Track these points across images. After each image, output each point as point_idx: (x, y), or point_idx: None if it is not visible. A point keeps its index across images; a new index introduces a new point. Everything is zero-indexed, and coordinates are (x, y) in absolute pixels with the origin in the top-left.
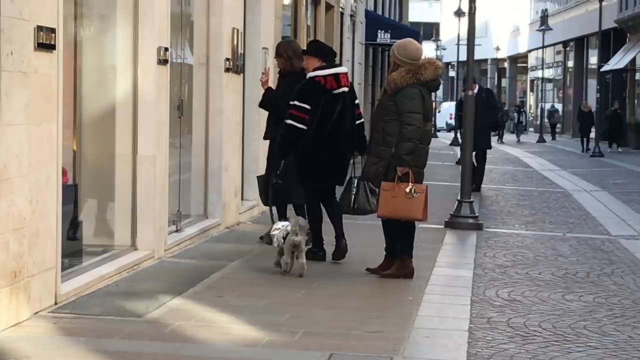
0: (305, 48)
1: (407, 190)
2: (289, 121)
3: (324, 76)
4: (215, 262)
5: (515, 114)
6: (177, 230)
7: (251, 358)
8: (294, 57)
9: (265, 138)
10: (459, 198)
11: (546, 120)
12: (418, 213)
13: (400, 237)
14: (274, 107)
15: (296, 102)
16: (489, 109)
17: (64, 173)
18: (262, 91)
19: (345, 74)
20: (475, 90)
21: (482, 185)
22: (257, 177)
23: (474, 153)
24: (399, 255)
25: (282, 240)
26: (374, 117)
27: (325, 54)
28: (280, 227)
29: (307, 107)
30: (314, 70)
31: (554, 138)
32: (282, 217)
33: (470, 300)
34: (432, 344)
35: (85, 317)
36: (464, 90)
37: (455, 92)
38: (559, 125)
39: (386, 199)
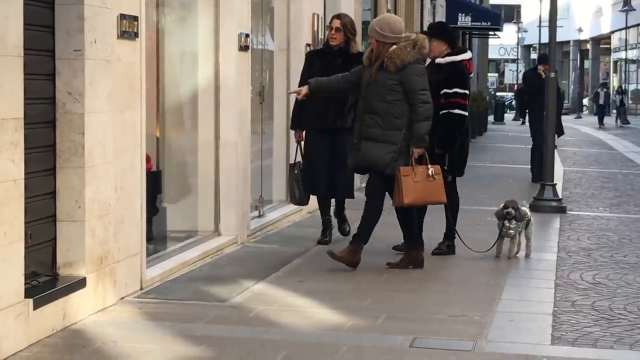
0: (429, 29)
1: (430, 172)
2: (459, 111)
3: (468, 60)
4: (298, 247)
5: (617, 96)
6: (259, 216)
7: (334, 342)
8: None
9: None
10: (541, 181)
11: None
12: (441, 195)
13: (407, 226)
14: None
15: (459, 90)
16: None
17: (148, 160)
18: None
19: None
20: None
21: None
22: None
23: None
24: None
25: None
26: (366, 99)
27: (454, 38)
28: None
29: (468, 92)
30: (449, 55)
31: (601, 124)
32: (327, 212)
33: (554, 283)
34: (516, 328)
35: (170, 302)
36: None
37: None
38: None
39: (409, 185)
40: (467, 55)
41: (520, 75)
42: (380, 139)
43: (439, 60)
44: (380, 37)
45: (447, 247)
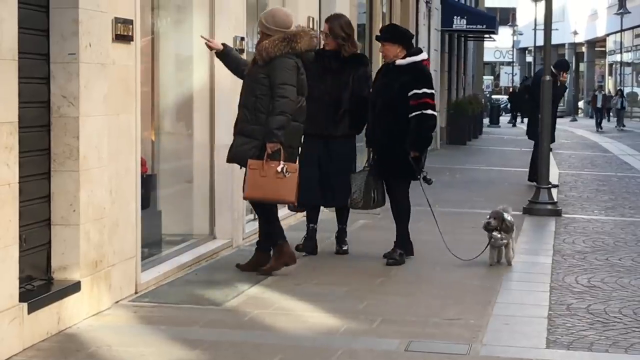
0: (381, 33)
1: (279, 169)
2: (431, 111)
3: (426, 60)
4: (293, 250)
5: (618, 99)
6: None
7: (329, 346)
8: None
9: None
10: (537, 184)
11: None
12: (290, 195)
13: (265, 222)
14: None
15: (427, 90)
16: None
17: (143, 163)
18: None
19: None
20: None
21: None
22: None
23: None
24: (274, 244)
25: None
26: (243, 92)
27: (407, 39)
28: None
29: (434, 92)
30: (409, 56)
31: (599, 127)
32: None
33: (549, 286)
34: (511, 331)
35: (165, 306)
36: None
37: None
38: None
39: (254, 178)
40: (425, 55)
41: (516, 78)
42: (247, 133)
43: (399, 62)
44: (264, 29)
45: (399, 255)
